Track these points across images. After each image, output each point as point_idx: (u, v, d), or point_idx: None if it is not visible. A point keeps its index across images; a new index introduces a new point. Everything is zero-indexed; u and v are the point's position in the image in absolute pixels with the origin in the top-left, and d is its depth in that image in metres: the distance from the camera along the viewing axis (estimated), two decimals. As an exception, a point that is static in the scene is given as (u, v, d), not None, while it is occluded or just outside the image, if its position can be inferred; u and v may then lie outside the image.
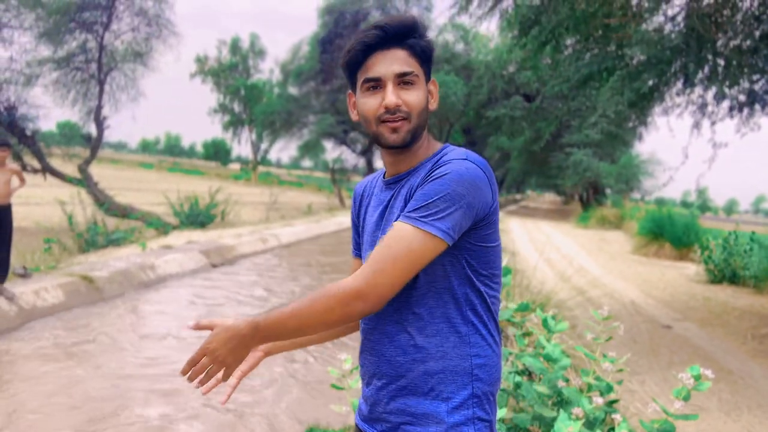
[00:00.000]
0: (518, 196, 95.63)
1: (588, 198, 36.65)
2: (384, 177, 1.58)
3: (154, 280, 8.43)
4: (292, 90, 32.07)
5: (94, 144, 16.91)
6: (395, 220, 1.39)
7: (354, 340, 1.67)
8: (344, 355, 3.35)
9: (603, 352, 3.27)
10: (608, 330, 3.32)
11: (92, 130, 17.32)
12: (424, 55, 1.46)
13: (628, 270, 12.94)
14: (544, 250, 15.36)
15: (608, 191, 35.90)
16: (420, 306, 1.42)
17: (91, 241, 11.29)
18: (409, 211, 1.34)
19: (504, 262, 9.55)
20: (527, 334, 3.71)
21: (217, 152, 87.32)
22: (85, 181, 15.48)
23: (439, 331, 1.41)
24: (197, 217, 15.29)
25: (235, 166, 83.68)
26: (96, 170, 17.12)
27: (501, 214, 34.07)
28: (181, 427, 4.10)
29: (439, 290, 1.41)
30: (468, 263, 1.41)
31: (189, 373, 1.35)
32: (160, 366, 5.22)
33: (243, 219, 17.60)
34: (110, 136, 18.47)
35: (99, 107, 16.41)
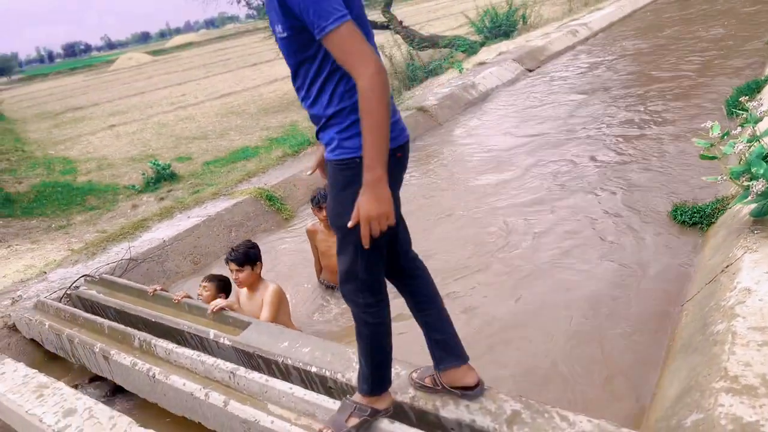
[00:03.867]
0: None
1: None
2: None
3: (478, 98, 8.73)
4: None
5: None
6: (277, 20, 1.89)
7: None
8: (708, 123, 3.04)
9: None
10: None
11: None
12: None
13: None
14: None
15: None
16: None
17: (412, 76, 12.09)
18: (317, 30, 1.76)
19: None
20: None
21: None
22: (391, 22, 16.31)
23: None
24: (500, 29, 15.01)
25: (522, -34, 78.46)
26: (396, 10, 17.84)
27: None
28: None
29: None
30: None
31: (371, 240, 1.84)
32: (486, 186, 5.52)
33: (545, 18, 16.70)
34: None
35: (385, -54, 16.69)
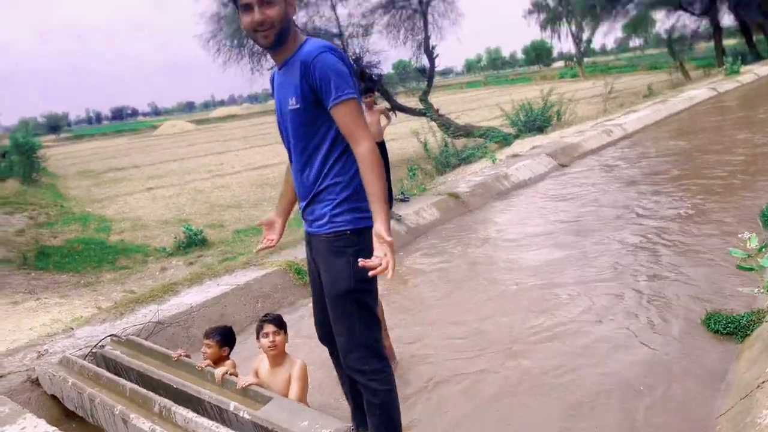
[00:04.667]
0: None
1: None
2: (278, 68, 2.29)
3: (509, 189, 8.84)
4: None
5: (429, 74, 18.15)
6: (293, 94, 2.15)
7: None
8: (745, 234, 3.04)
9: None
10: None
11: (424, 62, 18.64)
12: None
13: None
14: None
15: None
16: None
17: (445, 162, 12.33)
18: (333, 99, 2.06)
19: None
20: None
21: (538, 55, 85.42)
22: (428, 110, 16.83)
23: None
24: (534, 123, 15.36)
25: (558, 64, 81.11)
26: (433, 98, 18.42)
27: None
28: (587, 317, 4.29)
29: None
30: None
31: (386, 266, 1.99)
32: (524, 265, 5.51)
33: (580, 116, 17.05)
34: (438, 64, 19.71)
35: (426, 38, 17.50)
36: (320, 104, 2.11)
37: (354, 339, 2.21)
